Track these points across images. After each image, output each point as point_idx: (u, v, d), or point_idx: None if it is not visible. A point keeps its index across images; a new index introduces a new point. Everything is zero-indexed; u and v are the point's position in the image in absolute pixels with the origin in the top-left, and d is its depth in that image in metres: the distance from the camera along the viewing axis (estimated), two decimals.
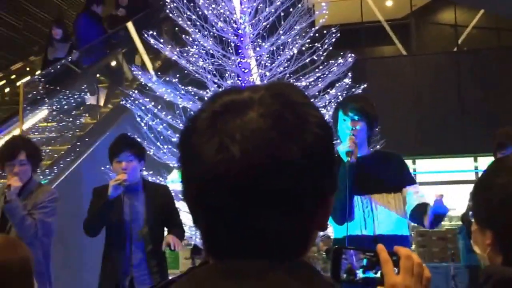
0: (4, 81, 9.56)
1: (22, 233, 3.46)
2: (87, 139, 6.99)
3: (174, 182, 7.76)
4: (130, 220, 3.63)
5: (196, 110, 0.81)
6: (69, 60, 7.85)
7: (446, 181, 11.48)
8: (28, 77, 9.08)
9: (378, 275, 1.03)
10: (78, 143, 6.99)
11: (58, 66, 7.67)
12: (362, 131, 3.07)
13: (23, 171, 3.62)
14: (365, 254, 1.03)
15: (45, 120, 7.49)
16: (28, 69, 9.84)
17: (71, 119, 7.63)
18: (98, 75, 8.49)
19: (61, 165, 6.49)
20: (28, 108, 6.91)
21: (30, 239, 3.45)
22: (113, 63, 8.73)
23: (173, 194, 6.39)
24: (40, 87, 7.37)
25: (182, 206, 6.59)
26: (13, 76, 9.65)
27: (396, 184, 3.06)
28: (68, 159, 6.61)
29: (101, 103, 8.23)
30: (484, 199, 1.24)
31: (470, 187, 1.30)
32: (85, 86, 8.06)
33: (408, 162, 11.59)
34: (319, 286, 0.74)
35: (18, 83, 7.84)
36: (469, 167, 11.36)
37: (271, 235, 0.73)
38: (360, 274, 1.02)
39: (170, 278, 0.96)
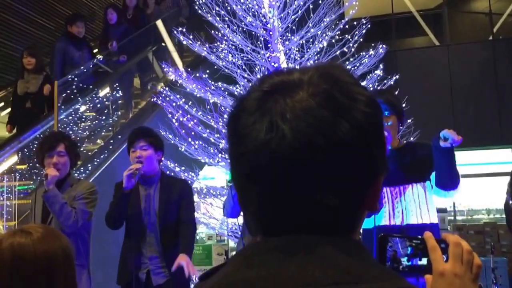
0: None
1: (62, 221, 3.52)
2: (119, 137, 7.08)
3: (205, 178, 7.81)
4: (146, 213, 3.66)
5: (246, 92, 0.81)
6: (100, 59, 7.98)
7: (484, 174, 11.22)
8: None
9: (425, 262, 1.00)
10: (111, 141, 7.08)
11: (91, 66, 7.80)
12: (392, 124, 3.13)
13: (62, 163, 3.69)
14: (411, 241, 1.01)
15: (79, 119, 7.61)
16: None
17: (104, 117, 7.74)
18: (129, 74, 8.57)
19: (95, 163, 6.59)
20: (62, 107, 7.03)
21: (71, 229, 3.51)
22: (144, 61, 8.82)
23: (206, 190, 6.43)
24: (74, 86, 7.49)
25: (215, 202, 6.65)
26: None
27: (424, 171, 3.11)
28: (102, 157, 6.71)
29: (133, 101, 8.33)
30: None
31: (507, 179, 1.24)
32: (116, 85, 8.17)
33: None
34: (368, 262, 0.73)
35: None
36: (508, 158, 11.08)
37: (321, 213, 0.74)
38: (405, 262, 1.00)
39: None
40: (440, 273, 0.99)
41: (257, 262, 0.73)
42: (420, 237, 1.02)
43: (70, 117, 7.37)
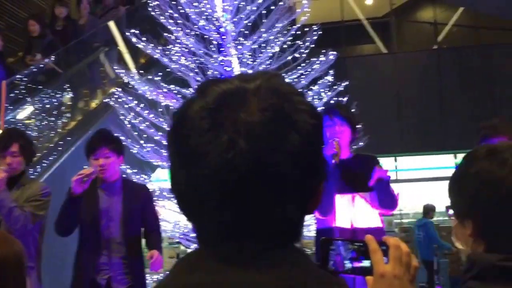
0: None
1: (11, 225, 3.45)
2: (69, 138, 6.98)
3: (158, 180, 7.78)
4: (106, 219, 3.58)
5: (182, 106, 0.80)
6: (51, 59, 7.82)
7: (427, 178, 11.62)
8: None
9: (367, 264, 1.03)
10: (61, 142, 6.97)
11: (41, 65, 7.64)
12: (345, 135, 3.42)
13: (16, 163, 3.61)
14: (353, 244, 1.04)
15: (27, 119, 7.45)
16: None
17: (53, 118, 7.61)
18: (80, 74, 8.46)
19: (44, 164, 6.48)
20: (10, 107, 6.88)
21: (20, 232, 3.45)
22: (96, 62, 8.70)
23: (159, 192, 6.41)
24: (22, 87, 7.33)
25: (168, 205, 6.64)
26: None
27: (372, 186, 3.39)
28: (51, 158, 6.60)
29: (84, 101, 8.22)
30: (459, 190, 1.27)
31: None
32: (67, 85, 8.03)
33: (390, 159, 11.76)
34: (309, 269, 0.77)
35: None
36: (449, 163, 11.50)
37: (277, 223, 0.76)
38: (348, 264, 1.03)
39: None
40: (381, 275, 1.02)
41: (199, 268, 0.76)
42: (362, 240, 1.04)
43: (18, 118, 7.22)
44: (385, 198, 3.33)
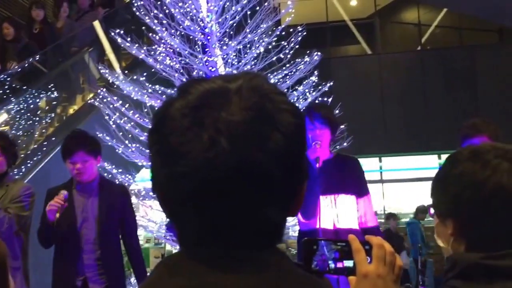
0: None
1: None
2: (54, 138, 6.95)
3: (143, 180, 7.77)
4: (82, 220, 3.55)
5: (163, 105, 0.79)
6: (36, 59, 7.77)
7: (411, 178, 11.71)
8: None
9: (350, 264, 1.03)
10: (45, 143, 6.94)
11: (26, 65, 7.58)
12: (326, 137, 3.45)
13: None
14: (336, 244, 1.03)
15: (11, 119, 7.41)
16: None
17: (37, 118, 7.56)
18: (65, 74, 8.41)
19: (28, 165, 6.44)
20: None
21: (6, 234, 3.44)
22: (80, 62, 8.65)
23: (144, 192, 6.39)
24: (6, 86, 7.27)
25: (154, 205, 6.63)
26: None
27: (353, 189, 3.48)
28: (35, 159, 6.56)
29: (69, 102, 8.18)
30: (442, 190, 1.28)
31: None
32: (52, 85, 7.99)
33: (375, 159, 11.85)
34: (291, 272, 0.77)
35: None
36: (433, 164, 11.59)
37: (259, 224, 0.76)
38: (331, 264, 1.02)
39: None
40: (364, 275, 1.02)
41: (179, 272, 0.75)
42: (345, 240, 1.04)
43: (1, 119, 7.18)
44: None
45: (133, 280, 5.73)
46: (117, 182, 5.09)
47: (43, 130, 7.48)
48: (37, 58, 7.74)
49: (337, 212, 3.41)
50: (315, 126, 3.41)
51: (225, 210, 0.74)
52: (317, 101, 7.12)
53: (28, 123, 7.49)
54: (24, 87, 7.50)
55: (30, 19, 8.09)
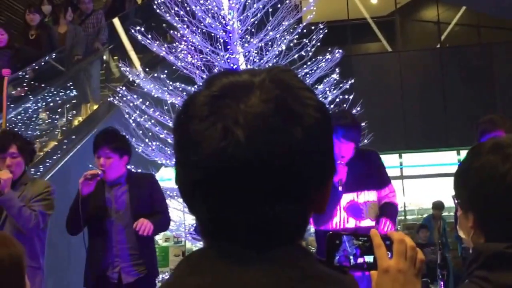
0: None
1: (22, 225, 3.43)
2: (74, 137, 6.93)
3: (162, 179, 7.74)
4: (113, 212, 3.59)
5: (191, 94, 0.79)
6: (53, 57, 7.74)
7: (431, 174, 11.72)
8: None
9: (371, 259, 1.03)
10: (65, 141, 6.92)
11: (42, 63, 7.56)
12: (350, 150, 3.40)
13: (15, 164, 3.59)
14: (358, 239, 1.03)
15: (30, 117, 7.39)
16: None
17: (57, 116, 7.55)
18: (84, 73, 8.39)
19: (47, 164, 6.42)
20: (12, 105, 6.81)
21: (32, 232, 3.42)
22: (100, 60, 8.63)
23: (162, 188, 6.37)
24: (25, 84, 7.26)
25: (172, 204, 6.60)
26: None
27: (375, 183, 3.49)
28: (55, 157, 6.54)
29: (89, 100, 8.16)
30: (463, 183, 1.29)
31: (453, 179, 1.34)
32: (70, 83, 7.97)
33: (395, 156, 11.79)
34: (313, 267, 0.75)
35: None
36: (452, 160, 11.58)
37: (275, 219, 0.74)
38: (353, 259, 1.02)
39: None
40: (385, 270, 1.02)
41: (201, 270, 0.74)
42: (366, 234, 1.04)
43: (19, 117, 7.17)
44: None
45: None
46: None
47: (64, 128, 7.46)
48: (53, 56, 7.71)
49: (359, 209, 3.42)
50: (340, 141, 3.31)
51: (237, 202, 0.72)
52: (338, 99, 7.07)
53: (47, 121, 7.49)
54: (43, 85, 7.49)
55: (26, 24, 7.67)
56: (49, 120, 7.51)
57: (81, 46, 8.07)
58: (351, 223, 3.39)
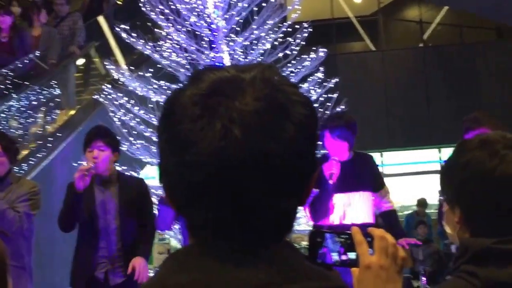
0: None
1: (6, 227, 3.40)
2: (58, 135, 6.88)
3: (147, 177, 7.73)
4: (103, 213, 3.59)
5: (174, 92, 0.78)
6: (37, 55, 7.65)
7: (412, 172, 11.86)
8: None
9: (354, 256, 1.03)
10: (50, 139, 6.87)
11: (26, 61, 7.47)
12: (344, 149, 3.54)
13: (0, 163, 3.57)
14: (340, 236, 1.03)
15: (13, 116, 7.32)
16: None
17: (40, 114, 7.48)
18: (68, 71, 8.31)
19: (31, 162, 6.36)
20: None
21: (16, 233, 3.40)
22: (85, 58, 8.55)
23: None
24: (8, 82, 7.17)
25: (156, 201, 6.58)
26: None
27: (369, 185, 3.63)
28: (39, 156, 6.49)
29: (73, 98, 8.08)
30: (450, 179, 1.30)
31: (435, 177, 1.35)
32: (54, 82, 7.88)
33: (376, 154, 11.87)
34: (300, 263, 0.76)
35: None
36: (434, 158, 11.71)
37: (272, 216, 0.75)
38: (335, 256, 1.02)
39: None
40: (366, 266, 1.02)
41: (189, 267, 0.74)
42: (348, 232, 1.04)
43: (3, 115, 7.09)
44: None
45: None
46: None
47: (47, 126, 7.40)
48: (37, 54, 7.62)
49: (354, 208, 3.54)
50: (336, 140, 3.49)
51: (235, 201, 0.73)
52: (322, 98, 7.11)
53: (30, 119, 7.41)
54: (27, 82, 7.41)
55: None
56: (32, 119, 7.43)
57: (55, 50, 7.68)
58: (348, 220, 3.50)
